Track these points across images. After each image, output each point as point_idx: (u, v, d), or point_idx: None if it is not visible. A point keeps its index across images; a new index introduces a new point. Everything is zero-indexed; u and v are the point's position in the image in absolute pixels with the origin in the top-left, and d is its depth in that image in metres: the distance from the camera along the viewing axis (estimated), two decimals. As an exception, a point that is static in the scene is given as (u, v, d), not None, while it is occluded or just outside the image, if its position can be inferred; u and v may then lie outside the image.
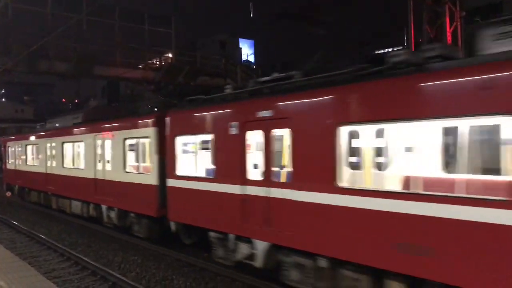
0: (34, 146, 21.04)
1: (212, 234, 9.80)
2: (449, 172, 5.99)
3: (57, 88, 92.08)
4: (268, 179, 8.17)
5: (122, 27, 29.39)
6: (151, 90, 35.86)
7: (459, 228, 5.38)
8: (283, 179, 8.20)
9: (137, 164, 12.97)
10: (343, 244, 6.78)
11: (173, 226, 10.95)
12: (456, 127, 5.84)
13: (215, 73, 32.38)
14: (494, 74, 5.23)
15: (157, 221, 12.00)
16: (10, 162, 25.00)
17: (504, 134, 5.19)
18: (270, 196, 8.06)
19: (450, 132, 5.98)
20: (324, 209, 7.03)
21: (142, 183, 12.19)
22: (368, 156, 7.14)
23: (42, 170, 19.58)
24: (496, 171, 5.40)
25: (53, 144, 18.45)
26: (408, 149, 6.32)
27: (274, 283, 8.82)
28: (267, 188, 8.15)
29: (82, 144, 15.78)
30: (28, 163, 21.98)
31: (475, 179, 5.99)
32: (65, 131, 17.54)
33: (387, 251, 6.16)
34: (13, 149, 24.31)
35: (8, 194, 26.21)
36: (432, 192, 5.85)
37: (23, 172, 22.57)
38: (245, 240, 8.82)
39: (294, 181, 7.60)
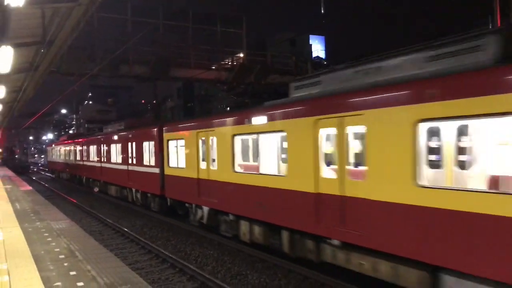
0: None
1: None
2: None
3: (135, 90, 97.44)
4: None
5: (196, 29, 30.40)
6: (224, 90, 36.77)
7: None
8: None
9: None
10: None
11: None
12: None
13: (286, 71, 32.42)
14: None
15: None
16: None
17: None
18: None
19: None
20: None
21: None
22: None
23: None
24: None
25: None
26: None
27: (345, 281, 8.73)
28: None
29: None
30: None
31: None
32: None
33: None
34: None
35: (96, 190, 28.31)
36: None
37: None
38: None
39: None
